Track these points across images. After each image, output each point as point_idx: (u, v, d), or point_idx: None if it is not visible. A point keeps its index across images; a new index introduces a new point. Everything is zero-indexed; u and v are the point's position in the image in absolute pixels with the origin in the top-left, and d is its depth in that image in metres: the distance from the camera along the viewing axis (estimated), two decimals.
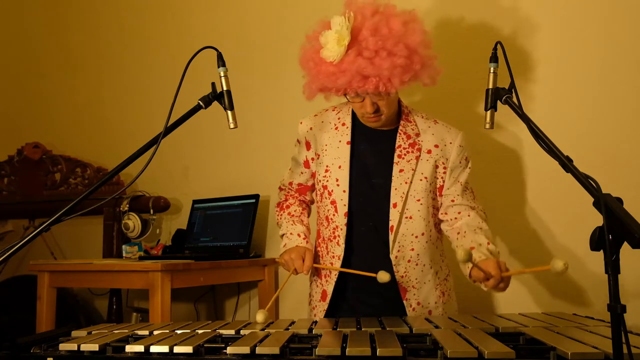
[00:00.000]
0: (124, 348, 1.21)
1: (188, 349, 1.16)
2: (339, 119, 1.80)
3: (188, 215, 2.88)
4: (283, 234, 1.83)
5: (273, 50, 2.80)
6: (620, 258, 0.94)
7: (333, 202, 1.74)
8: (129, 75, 3.27)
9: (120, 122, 3.27)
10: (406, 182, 1.70)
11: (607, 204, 0.96)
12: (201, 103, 1.46)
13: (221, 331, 1.34)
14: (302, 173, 1.87)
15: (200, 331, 1.35)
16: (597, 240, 0.96)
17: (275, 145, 2.76)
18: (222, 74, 1.46)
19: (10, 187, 3.43)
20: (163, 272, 2.22)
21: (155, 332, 1.36)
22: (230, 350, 1.14)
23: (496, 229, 2.24)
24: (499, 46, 1.41)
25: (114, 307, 2.87)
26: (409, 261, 1.71)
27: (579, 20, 2.14)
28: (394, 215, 1.69)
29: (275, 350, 1.12)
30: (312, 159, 1.82)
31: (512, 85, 1.34)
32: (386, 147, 1.74)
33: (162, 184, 3.01)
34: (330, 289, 1.75)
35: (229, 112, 1.46)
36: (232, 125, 1.48)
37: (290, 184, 1.91)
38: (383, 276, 1.58)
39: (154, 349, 1.18)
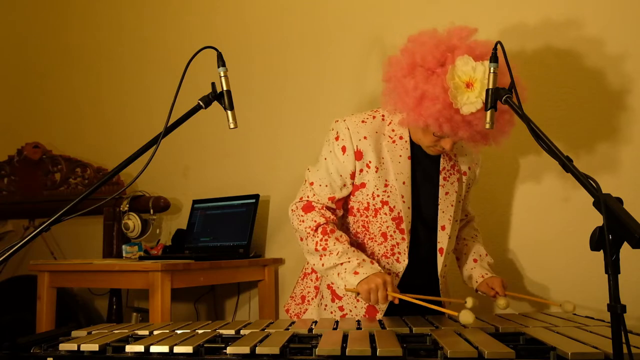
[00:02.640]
0: (124, 348, 1.21)
1: (188, 349, 1.16)
2: (393, 130, 1.68)
3: (188, 215, 2.88)
4: (343, 262, 1.59)
5: (273, 51, 2.80)
6: (620, 258, 0.94)
7: (396, 219, 1.65)
8: (129, 75, 3.27)
9: (120, 122, 3.27)
10: (451, 205, 1.72)
11: (607, 204, 0.96)
12: (201, 103, 1.45)
13: (221, 331, 1.34)
14: (345, 186, 1.69)
15: (200, 331, 1.35)
16: (597, 240, 0.96)
17: (275, 145, 2.76)
18: (222, 74, 1.46)
19: (10, 187, 3.44)
20: (163, 272, 2.22)
21: (155, 332, 1.36)
22: (230, 350, 1.14)
23: (495, 228, 2.24)
24: (499, 46, 1.41)
25: (114, 307, 2.87)
26: (443, 277, 1.76)
27: (579, 19, 2.14)
28: (442, 238, 1.71)
29: (275, 350, 1.12)
30: (361, 170, 1.67)
31: (512, 85, 1.34)
32: (431, 168, 1.73)
33: (162, 184, 3.01)
34: (384, 307, 1.66)
35: (229, 112, 1.46)
36: (232, 125, 1.47)
37: (332, 199, 1.69)
38: (467, 317, 1.32)
39: (154, 349, 1.18)
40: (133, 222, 2.88)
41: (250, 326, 1.41)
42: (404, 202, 1.65)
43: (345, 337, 1.20)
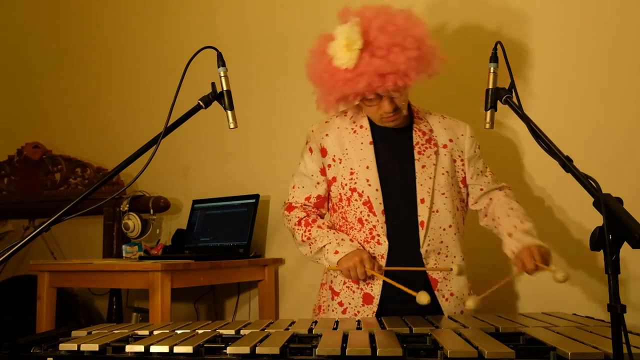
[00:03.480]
0: (124, 348, 1.21)
1: (188, 349, 1.17)
2: (354, 122, 1.80)
3: (188, 215, 2.88)
4: (325, 244, 1.73)
5: (273, 51, 2.80)
6: (620, 258, 0.94)
7: (366, 203, 1.72)
8: (129, 75, 3.27)
9: (120, 122, 3.27)
10: (430, 178, 1.74)
11: (607, 204, 0.96)
12: (201, 103, 1.46)
13: (221, 331, 1.34)
14: (318, 184, 1.83)
15: (200, 331, 1.35)
16: (597, 240, 0.96)
17: (275, 145, 2.76)
18: (222, 74, 1.47)
19: (10, 187, 3.43)
20: (163, 272, 2.22)
21: (155, 332, 1.36)
22: (230, 350, 1.14)
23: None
24: (499, 46, 1.41)
25: (114, 307, 2.87)
26: (438, 254, 1.74)
27: (579, 19, 2.14)
28: (422, 211, 1.72)
29: (275, 350, 1.12)
30: (329, 165, 1.80)
31: (512, 85, 1.34)
32: (404, 145, 1.77)
33: (162, 184, 3.01)
34: (377, 290, 1.71)
35: (229, 112, 1.46)
36: (232, 125, 1.48)
37: (308, 199, 1.84)
38: (423, 298, 1.51)
39: (154, 349, 1.18)
40: (133, 222, 2.88)
41: (250, 326, 1.40)
42: (369, 185, 1.73)
43: (345, 337, 1.20)
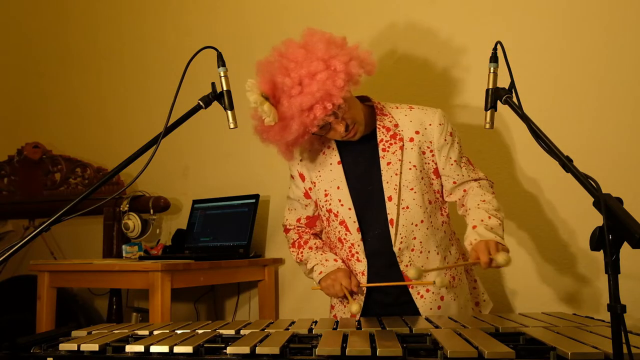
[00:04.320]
0: (124, 348, 1.21)
1: (188, 349, 1.17)
2: (323, 143, 1.81)
3: (188, 215, 2.88)
4: (314, 265, 1.80)
5: None
6: (620, 258, 0.94)
7: (342, 223, 1.76)
8: (129, 75, 3.27)
9: (120, 122, 3.27)
10: (396, 174, 1.71)
11: (607, 204, 0.96)
12: (201, 103, 1.46)
13: (221, 331, 1.35)
14: (306, 206, 1.88)
15: (200, 331, 1.36)
16: (597, 240, 0.96)
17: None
18: (222, 74, 1.47)
19: (10, 187, 3.43)
20: (163, 272, 2.22)
21: (155, 332, 1.36)
22: (230, 350, 1.14)
23: None
24: (499, 46, 1.41)
25: (114, 307, 2.87)
26: (412, 250, 1.73)
27: (580, 21, 2.14)
28: (391, 209, 1.71)
29: (275, 350, 1.12)
30: (310, 188, 1.84)
31: (512, 85, 1.34)
32: (371, 149, 1.75)
33: (162, 184, 3.01)
34: (357, 308, 1.72)
35: (229, 112, 1.46)
36: (232, 125, 1.48)
37: (299, 220, 1.90)
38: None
39: (154, 349, 1.18)
40: (133, 222, 2.88)
41: (250, 326, 1.41)
42: (342, 205, 1.75)
43: (345, 337, 1.20)
